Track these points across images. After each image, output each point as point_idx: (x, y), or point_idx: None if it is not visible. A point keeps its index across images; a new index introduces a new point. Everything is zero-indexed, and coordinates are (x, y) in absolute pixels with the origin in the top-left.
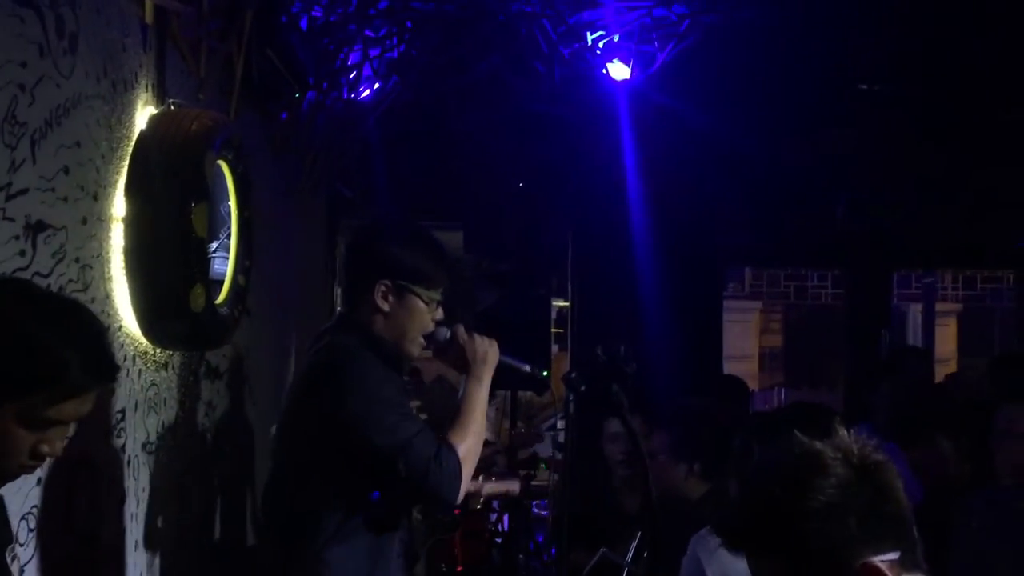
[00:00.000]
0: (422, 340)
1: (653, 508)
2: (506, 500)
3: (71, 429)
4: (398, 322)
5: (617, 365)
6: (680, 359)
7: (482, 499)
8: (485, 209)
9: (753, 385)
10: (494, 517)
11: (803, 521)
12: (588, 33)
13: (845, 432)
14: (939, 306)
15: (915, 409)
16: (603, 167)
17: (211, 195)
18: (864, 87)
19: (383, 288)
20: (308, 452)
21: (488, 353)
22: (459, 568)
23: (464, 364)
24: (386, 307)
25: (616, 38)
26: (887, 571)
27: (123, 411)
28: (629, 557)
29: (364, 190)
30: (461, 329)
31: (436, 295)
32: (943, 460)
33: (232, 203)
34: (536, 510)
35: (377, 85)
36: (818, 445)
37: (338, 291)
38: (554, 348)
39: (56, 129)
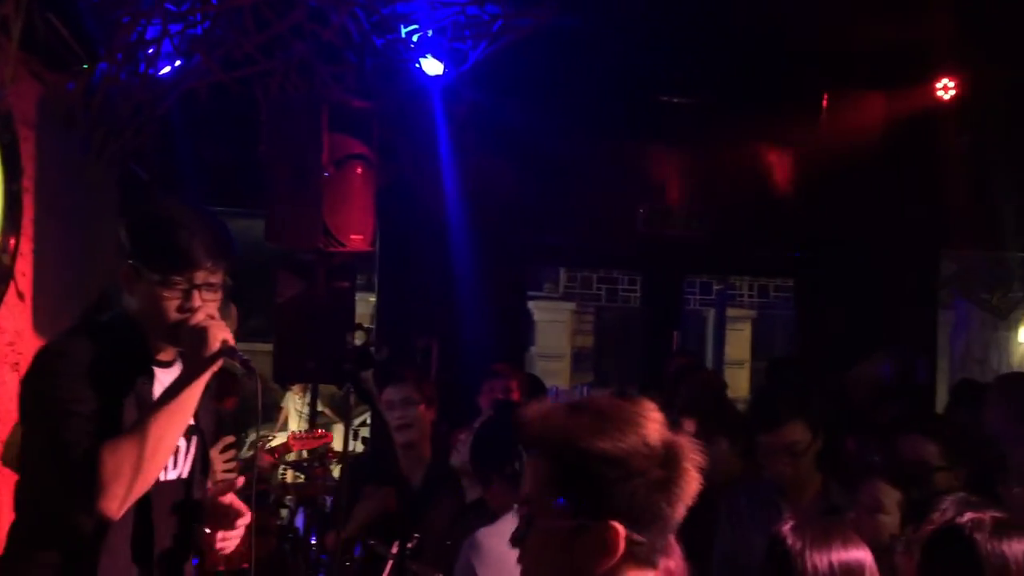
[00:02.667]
0: (168, 334)
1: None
2: (301, 496)
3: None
4: (140, 303)
5: (366, 352)
6: (485, 354)
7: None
8: (289, 197)
9: (564, 383)
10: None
11: (598, 454)
12: (402, 26)
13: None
14: (736, 312)
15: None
16: (414, 161)
17: None
18: (664, 99)
19: (126, 268)
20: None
21: (214, 342)
22: (245, 565)
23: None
24: (130, 292)
25: (429, 33)
26: (624, 545)
27: None
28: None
29: (162, 172)
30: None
31: (173, 282)
32: (721, 458)
33: None
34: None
35: (179, 63)
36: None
37: None
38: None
39: None
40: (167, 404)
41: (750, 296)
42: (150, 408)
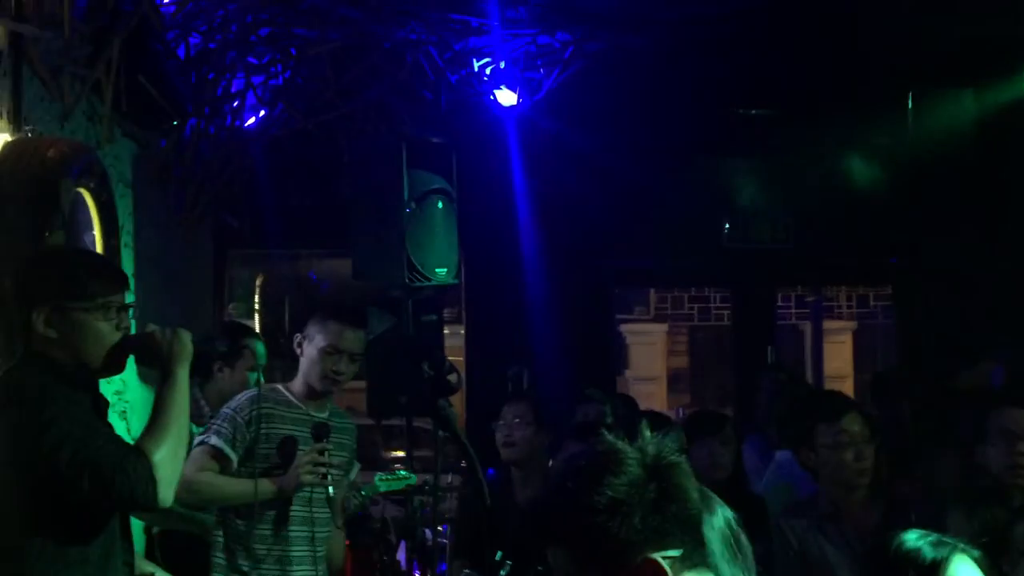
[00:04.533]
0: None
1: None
2: (402, 529)
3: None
4: (72, 343)
5: (443, 380)
6: (574, 379)
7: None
8: (373, 235)
9: (661, 406)
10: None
11: (591, 515)
12: (475, 60)
13: (650, 434)
14: (835, 324)
15: (790, 413)
16: (492, 192)
17: (68, 223)
18: (741, 111)
19: (42, 316)
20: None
21: (174, 345)
22: None
23: (157, 359)
24: (52, 333)
25: (502, 65)
26: (667, 568)
27: None
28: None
29: (252, 219)
30: (152, 327)
31: (105, 302)
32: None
33: (96, 232)
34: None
35: (262, 112)
36: (619, 445)
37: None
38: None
39: None
40: (170, 405)
41: (848, 307)
42: (159, 411)
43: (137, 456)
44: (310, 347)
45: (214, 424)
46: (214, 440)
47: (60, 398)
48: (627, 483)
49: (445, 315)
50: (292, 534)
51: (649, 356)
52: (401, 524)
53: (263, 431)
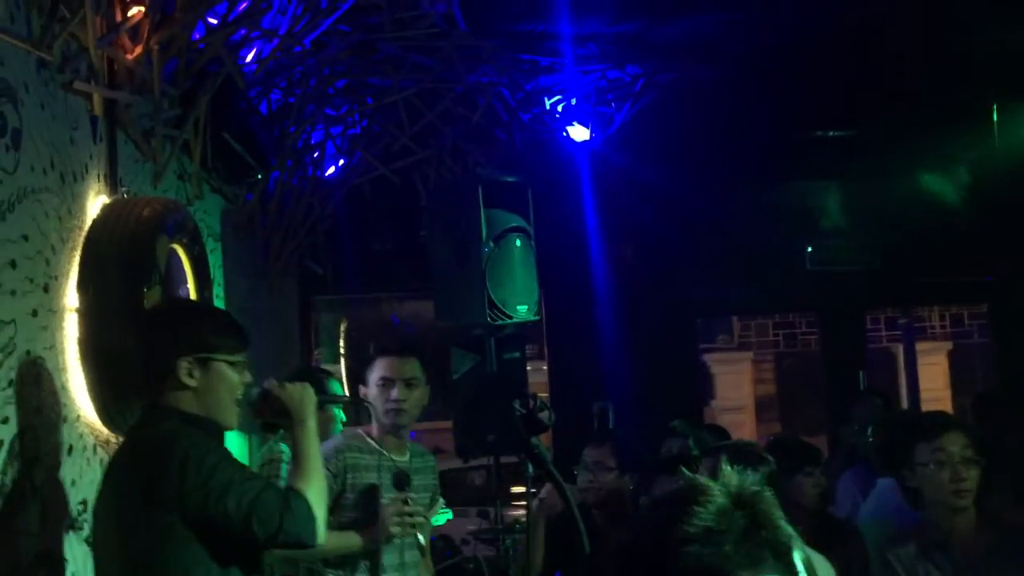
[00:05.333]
0: (236, 407)
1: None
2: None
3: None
4: (209, 394)
5: (534, 418)
6: (660, 412)
7: None
8: (453, 276)
9: (750, 435)
10: None
11: (682, 545)
12: (546, 98)
13: (730, 469)
14: (929, 345)
15: (891, 435)
16: (568, 228)
17: (164, 279)
18: (819, 134)
19: (186, 364)
20: (154, 539)
21: (304, 396)
22: None
23: (284, 414)
24: (193, 383)
25: (573, 101)
26: None
27: (84, 502)
28: None
29: (334, 266)
30: (272, 382)
31: (240, 358)
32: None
33: (190, 285)
34: None
35: (341, 161)
36: (703, 479)
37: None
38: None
39: (1, 224)
40: (310, 450)
41: (942, 326)
42: (303, 457)
43: (297, 497)
44: (371, 388)
45: None
46: None
47: (214, 447)
48: (714, 512)
49: (527, 352)
50: None
51: (735, 385)
52: (493, 564)
53: (348, 481)
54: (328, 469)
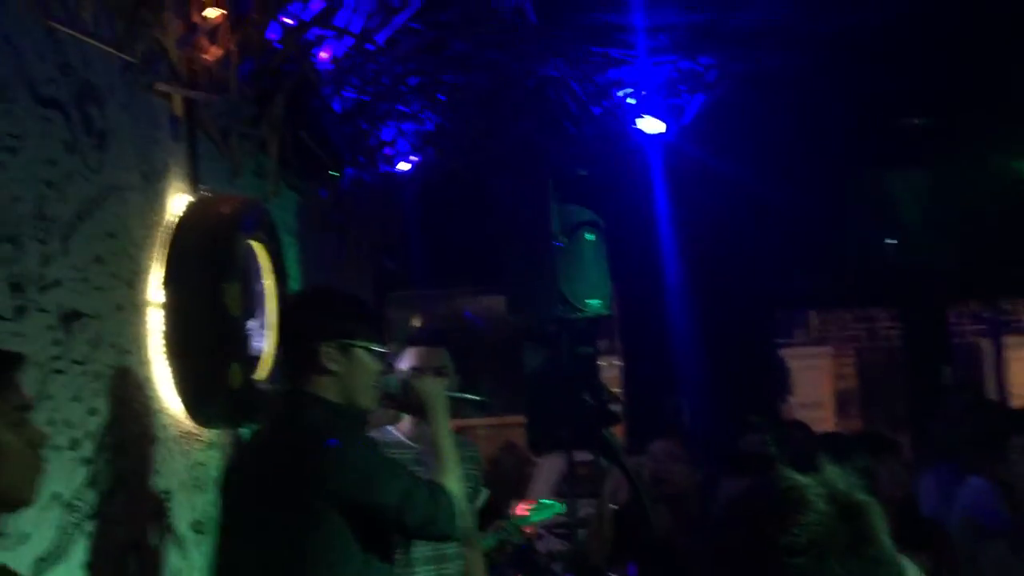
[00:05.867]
0: (375, 393)
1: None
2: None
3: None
4: (350, 380)
5: (605, 409)
6: (735, 407)
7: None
8: (525, 271)
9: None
10: None
11: (788, 557)
12: (616, 91)
13: (833, 469)
14: (1017, 339)
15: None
16: (641, 221)
17: (243, 275)
18: (901, 123)
19: (329, 350)
20: (303, 527)
21: (439, 391)
22: None
23: (419, 408)
24: (335, 368)
25: (644, 93)
26: None
27: (169, 491)
28: None
29: (408, 262)
30: (412, 374)
31: (379, 346)
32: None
33: (267, 281)
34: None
35: (414, 158)
36: (800, 480)
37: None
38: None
39: (88, 221)
40: (447, 444)
41: None
42: (442, 450)
43: (444, 493)
44: None
45: None
46: None
47: (363, 438)
48: (818, 522)
49: (600, 346)
50: (418, 573)
51: (814, 381)
52: (567, 557)
53: None
54: None
